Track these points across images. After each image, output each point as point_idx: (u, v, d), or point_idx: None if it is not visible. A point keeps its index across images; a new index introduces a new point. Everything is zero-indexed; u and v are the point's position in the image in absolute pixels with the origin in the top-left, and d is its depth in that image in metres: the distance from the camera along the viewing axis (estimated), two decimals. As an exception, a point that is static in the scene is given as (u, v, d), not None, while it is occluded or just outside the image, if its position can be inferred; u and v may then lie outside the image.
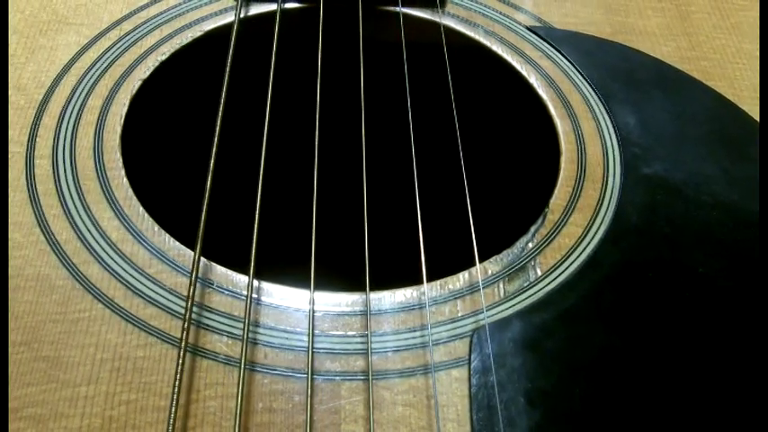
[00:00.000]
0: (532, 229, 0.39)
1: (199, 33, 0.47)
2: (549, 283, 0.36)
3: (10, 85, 0.42)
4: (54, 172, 0.39)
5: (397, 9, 0.49)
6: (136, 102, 0.43)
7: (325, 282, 0.35)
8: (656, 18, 0.51)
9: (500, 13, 0.50)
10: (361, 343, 0.34)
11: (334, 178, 0.44)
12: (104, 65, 0.44)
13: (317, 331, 0.34)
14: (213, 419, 0.31)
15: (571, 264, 0.37)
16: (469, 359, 0.33)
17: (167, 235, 0.37)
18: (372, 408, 0.31)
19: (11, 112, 0.41)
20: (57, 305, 0.34)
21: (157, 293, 0.34)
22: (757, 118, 0.44)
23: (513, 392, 0.32)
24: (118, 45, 0.45)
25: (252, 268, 0.35)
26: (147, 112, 0.44)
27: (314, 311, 0.34)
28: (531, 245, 0.38)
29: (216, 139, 0.39)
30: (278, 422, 0.31)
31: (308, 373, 0.32)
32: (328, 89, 0.43)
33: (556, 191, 0.40)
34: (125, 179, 0.39)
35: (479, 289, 0.36)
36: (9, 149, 0.39)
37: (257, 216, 0.36)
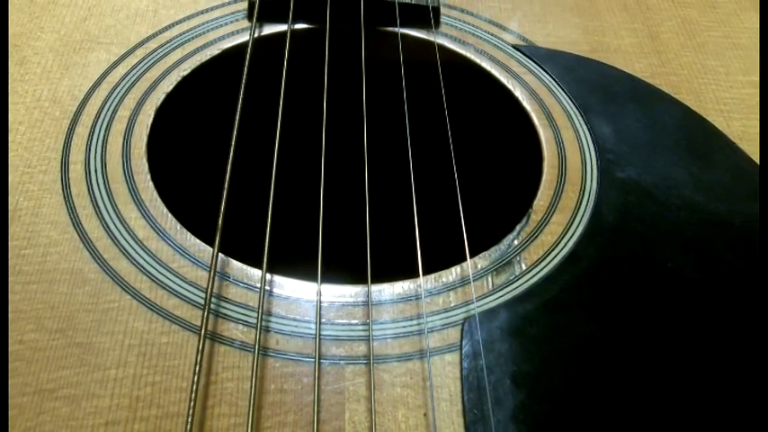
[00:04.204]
0: (518, 227, 0.39)
1: (217, 51, 0.47)
2: (532, 277, 0.36)
3: (47, 97, 0.42)
4: (86, 176, 0.39)
5: (396, 30, 0.49)
6: (160, 113, 0.43)
7: (330, 275, 0.35)
8: (630, 38, 0.51)
9: (489, 33, 0.50)
10: (364, 330, 0.34)
11: (339, 182, 0.44)
12: (132, 79, 0.44)
13: (323, 320, 0.34)
14: (230, 399, 0.31)
15: (553, 259, 0.37)
16: (461, 345, 0.33)
17: (188, 233, 0.37)
18: (373, 389, 0.31)
19: (47, 122, 0.41)
20: (89, 296, 0.34)
21: (180, 286, 0.35)
22: (721, 128, 0.44)
23: (501, 375, 0.32)
24: (144, 62, 0.45)
25: (265, 263, 0.35)
26: (171, 122, 0.44)
27: (321, 302, 0.34)
28: (516, 242, 0.38)
29: (232, 146, 0.39)
30: (288, 401, 0.31)
31: (315, 358, 0.32)
32: (334, 101, 0.43)
33: (539, 193, 0.40)
34: (150, 183, 0.39)
35: (470, 282, 0.36)
36: (46, 156, 0.39)
37: (270, 216, 0.36)
